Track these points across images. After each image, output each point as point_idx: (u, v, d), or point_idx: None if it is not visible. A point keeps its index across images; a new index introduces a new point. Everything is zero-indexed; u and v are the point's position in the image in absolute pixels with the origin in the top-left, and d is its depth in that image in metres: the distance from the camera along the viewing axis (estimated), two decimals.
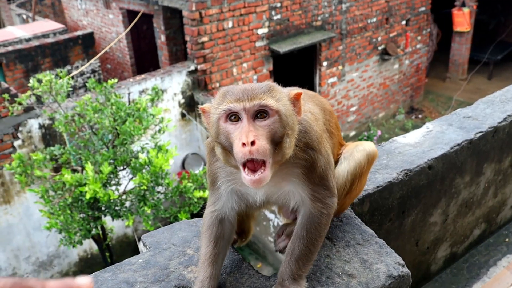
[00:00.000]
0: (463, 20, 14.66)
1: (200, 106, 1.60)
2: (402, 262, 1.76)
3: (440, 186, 2.58)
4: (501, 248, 3.21)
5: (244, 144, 1.37)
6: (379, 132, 13.03)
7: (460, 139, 2.63)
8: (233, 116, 1.45)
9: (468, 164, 2.71)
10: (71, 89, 7.68)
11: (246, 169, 1.41)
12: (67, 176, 6.23)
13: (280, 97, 1.49)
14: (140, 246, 1.96)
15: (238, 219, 1.91)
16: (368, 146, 1.87)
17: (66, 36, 12.31)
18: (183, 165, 10.10)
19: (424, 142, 2.60)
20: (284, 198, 1.66)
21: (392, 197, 2.29)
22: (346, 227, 1.93)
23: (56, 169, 7.85)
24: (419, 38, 14.26)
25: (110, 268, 1.77)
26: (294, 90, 1.56)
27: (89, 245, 9.17)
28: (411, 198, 2.42)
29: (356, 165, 1.81)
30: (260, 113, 1.44)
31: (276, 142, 1.44)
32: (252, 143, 1.37)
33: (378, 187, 2.20)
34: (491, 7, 17.29)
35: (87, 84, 7.47)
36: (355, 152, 1.84)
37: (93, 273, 1.75)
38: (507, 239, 3.28)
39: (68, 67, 12.26)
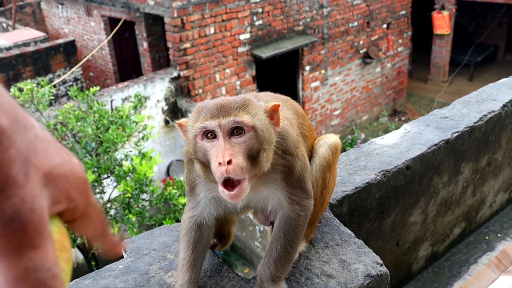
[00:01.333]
0: (443, 23, 14.87)
1: (176, 121, 1.60)
2: (380, 261, 1.79)
3: (419, 186, 2.62)
4: (481, 246, 3.26)
5: (220, 164, 1.38)
6: (363, 135, 13.13)
7: (437, 139, 2.67)
8: (209, 134, 1.45)
9: (446, 163, 2.76)
10: (53, 97, 7.65)
11: (223, 185, 1.41)
12: None
13: (255, 112, 1.48)
14: (125, 254, 1.97)
15: (217, 224, 1.92)
16: (329, 139, 1.89)
17: (47, 44, 12.23)
18: (167, 172, 10.08)
19: (402, 143, 2.63)
20: (262, 203, 1.67)
21: (370, 198, 2.32)
22: (325, 228, 1.95)
23: None
24: (400, 41, 14.43)
25: (91, 275, 1.77)
26: (271, 103, 1.55)
27: (75, 255, 9.10)
28: (390, 198, 2.45)
29: (322, 160, 1.83)
30: (236, 130, 1.44)
31: (254, 157, 1.45)
32: (229, 162, 1.37)
33: (356, 188, 2.23)
34: (470, 10, 17.56)
35: (69, 93, 7.43)
36: (317, 148, 1.86)
37: (74, 280, 1.75)
38: (487, 237, 3.33)
39: (50, 75, 12.18)
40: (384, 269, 1.76)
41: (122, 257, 1.92)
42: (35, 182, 0.54)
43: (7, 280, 0.50)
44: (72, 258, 0.66)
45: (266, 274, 1.64)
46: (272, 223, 1.77)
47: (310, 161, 1.84)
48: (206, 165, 1.48)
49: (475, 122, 2.88)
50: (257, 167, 1.46)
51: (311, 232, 1.88)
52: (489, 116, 2.98)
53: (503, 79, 3.54)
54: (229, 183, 1.40)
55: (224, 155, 1.38)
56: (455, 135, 2.75)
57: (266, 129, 1.48)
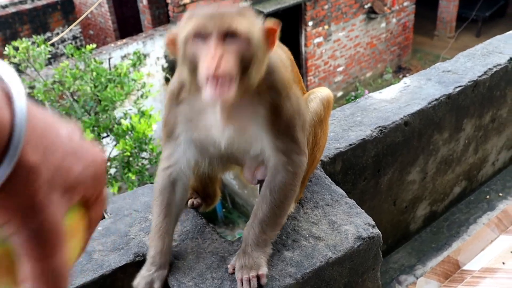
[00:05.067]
0: None
1: (166, 36, 1.51)
2: (373, 223, 1.70)
3: (418, 143, 2.51)
4: (481, 206, 3.18)
5: (210, 62, 1.31)
6: (366, 92, 12.93)
7: (438, 94, 2.54)
8: (200, 37, 1.37)
9: (447, 120, 2.63)
10: (50, 56, 7.50)
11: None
12: None
13: (252, 22, 1.41)
14: (106, 215, 1.89)
15: (202, 182, 1.82)
16: (320, 93, 1.79)
17: (44, 1, 11.98)
18: None
19: (400, 98, 2.50)
20: (246, 144, 1.55)
21: (366, 155, 2.21)
22: (315, 187, 1.85)
23: None
24: None
25: None
26: (271, 23, 1.46)
27: None
28: (387, 156, 2.34)
29: (313, 115, 1.71)
30: (230, 35, 1.35)
31: (243, 68, 1.37)
32: (219, 60, 1.31)
33: (350, 145, 2.12)
34: None
35: (65, 51, 7.29)
36: (309, 102, 1.75)
37: None
38: (488, 196, 3.24)
39: (48, 34, 11.97)
40: (376, 230, 1.67)
41: (103, 218, 1.85)
42: (57, 198, 0.61)
43: (31, 276, 0.61)
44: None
45: (250, 236, 1.55)
46: (260, 182, 1.66)
47: None
48: (194, 71, 1.39)
49: (479, 76, 2.75)
50: (245, 81, 1.39)
51: (300, 192, 1.78)
52: (495, 69, 2.84)
53: (511, 31, 3.37)
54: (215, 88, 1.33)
55: (214, 53, 1.32)
56: (457, 89, 2.61)
57: (260, 44, 1.41)
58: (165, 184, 1.57)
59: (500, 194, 3.24)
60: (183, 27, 1.40)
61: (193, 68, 1.38)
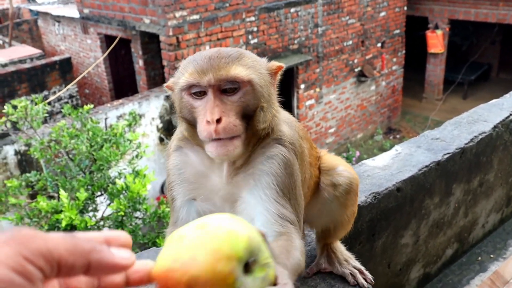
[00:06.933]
0: (436, 41, 14.99)
1: (165, 84, 1.42)
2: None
3: (410, 208, 2.61)
4: (474, 267, 3.25)
5: (208, 122, 1.22)
6: (357, 153, 13.14)
7: (428, 161, 2.67)
8: (197, 90, 1.27)
9: (437, 185, 2.75)
10: (47, 115, 7.64)
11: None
12: (43, 203, 6.15)
13: (252, 64, 1.30)
14: None
15: None
16: (348, 172, 1.71)
17: (43, 61, 12.26)
18: (162, 190, 10.04)
19: (392, 165, 2.63)
20: (240, 202, 1.40)
21: (361, 220, 2.31)
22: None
23: (33, 196, 7.74)
24: (394, 59, 14.53)
25: None
26: (275, 62, 1.39)
27: None
28: (381, 220, 2.44)
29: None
30: (229, 83, 1.26)
31: (249, 115, 1.27)
32: (218, 120, 1.21)
33: None
34: (463, 29, 17.72)
35: (62, 110, 7.43)
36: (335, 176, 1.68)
37: None
38: (479, 258, 3.32)
39: (45, 92, 12.18)
40: None
41: None
42: None
43: None
44: None
45: None
46: None
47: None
48: (192, 124, 1.30)
49: (466, 143, 2.89)
50: (252, 129, 1.28)
51: None
52: (480, 137, 2.99)
53: (494, 100, 3.56)
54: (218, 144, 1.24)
55: (213, 113, 1.21)
56: (446, 156, 2.75)
57: (265, 84, 1.31)
58: None
59: (491, 256, 3.32)
60: (179, 77, 1.32)
61: (192, 122, 1.30)
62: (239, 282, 0.73)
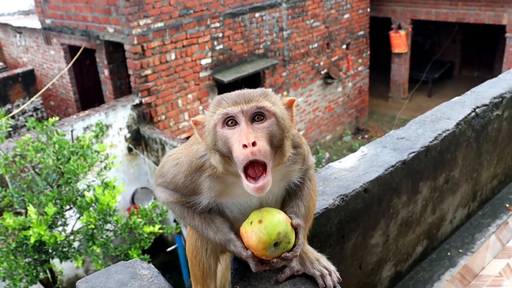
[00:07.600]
0: (400, 42, 15.25)
1: (192, 119, 1.59)
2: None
3: (378, 208, 2.64)
4: (444, 263, 3.30)
5: (245, 146, 1.37)
6: (327, 155, 13.24)
7: (394, 161, 2.70)
8: (230, 121, 1.45)
9: (404, 184, 2.79)
10: (11, 129, 7.46)
11: (248, 177, 1.41)
12: (9, 220, 5.99)
13: (275, 100, 1.51)
14: None
15: None
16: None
17: (5, 74, 12.00)
18: (132, 200, 9.91)
19: (359, 166, 2.65)
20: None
21: (330, 223, 2.32)
22: None
23: None
24: (360, 61, 14.72)
25: None
26: (288, 97, 1.59)
27: None
28: (350, 222, 2.45)
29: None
30: (257, 116, 1.45)
31: (275, 145, 1.45)
32: (253, 144, 1.37)
33: (314, 214, 2.22)
34: (425, 29, 18.09)
35: (27, 124, 7.27)
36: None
37: None
38: (449, 253, 3.37)
39: (8, 106, 11.91)
40: None
41: None
42: None
43: None
44: None
45: None
46: None
47: None
48: (226, 156, 1.46)
49: (430, 142, 2.93)
50: (279, 156, 1.48)
51: None
52: (444, 135, 3.04)
53: (456, 98, 3.63)
54: (251, 175, 1.40)
55: (248, 137, 1.38)
56: (411, 155, 2.79)
57: (286, 118, 1.50)
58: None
59: (460, 250, 3.37)
60: (212, 112, 1.49)
61: (226, 153, 1.45)
62: (270, 250, 1.54)
